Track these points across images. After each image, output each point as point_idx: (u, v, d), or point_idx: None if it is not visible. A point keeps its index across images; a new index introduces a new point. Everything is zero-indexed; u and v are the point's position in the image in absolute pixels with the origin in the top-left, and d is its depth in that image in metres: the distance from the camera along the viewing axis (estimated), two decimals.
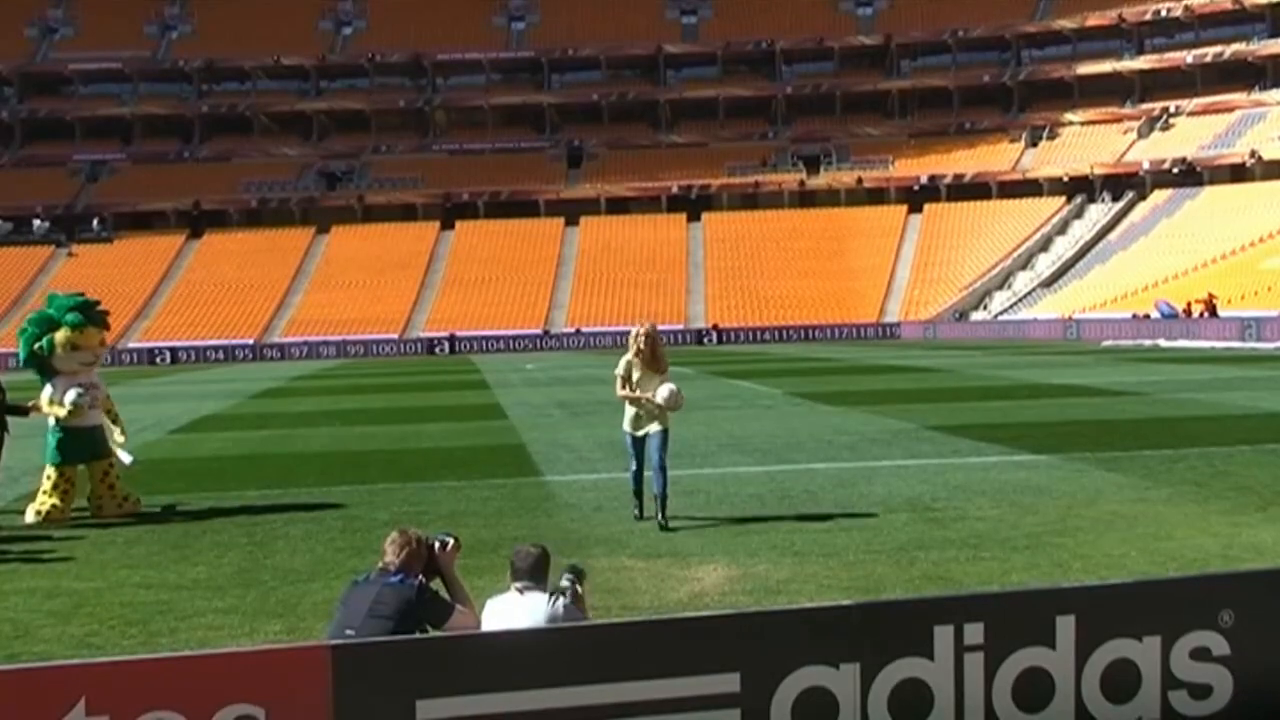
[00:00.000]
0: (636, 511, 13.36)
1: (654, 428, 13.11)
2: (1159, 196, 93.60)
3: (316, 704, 5.48)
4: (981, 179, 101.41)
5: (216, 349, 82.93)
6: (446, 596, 6.99)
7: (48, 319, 14.99)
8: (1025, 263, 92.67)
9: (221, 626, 9.14)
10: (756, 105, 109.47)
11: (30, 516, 14.46)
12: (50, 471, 14.73)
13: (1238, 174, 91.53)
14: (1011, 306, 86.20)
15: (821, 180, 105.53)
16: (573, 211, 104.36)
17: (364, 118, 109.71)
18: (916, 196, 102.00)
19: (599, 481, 16.15)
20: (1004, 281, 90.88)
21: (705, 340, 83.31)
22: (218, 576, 11.00)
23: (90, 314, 15.20)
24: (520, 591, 6.87)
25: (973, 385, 33.18)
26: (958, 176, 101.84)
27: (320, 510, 14.55)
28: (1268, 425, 20.80)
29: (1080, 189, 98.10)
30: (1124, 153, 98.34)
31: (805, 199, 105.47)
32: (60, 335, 14.83)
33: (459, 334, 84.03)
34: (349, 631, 6.45)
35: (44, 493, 14.66)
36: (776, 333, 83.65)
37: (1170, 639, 6.29)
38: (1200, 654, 6.32)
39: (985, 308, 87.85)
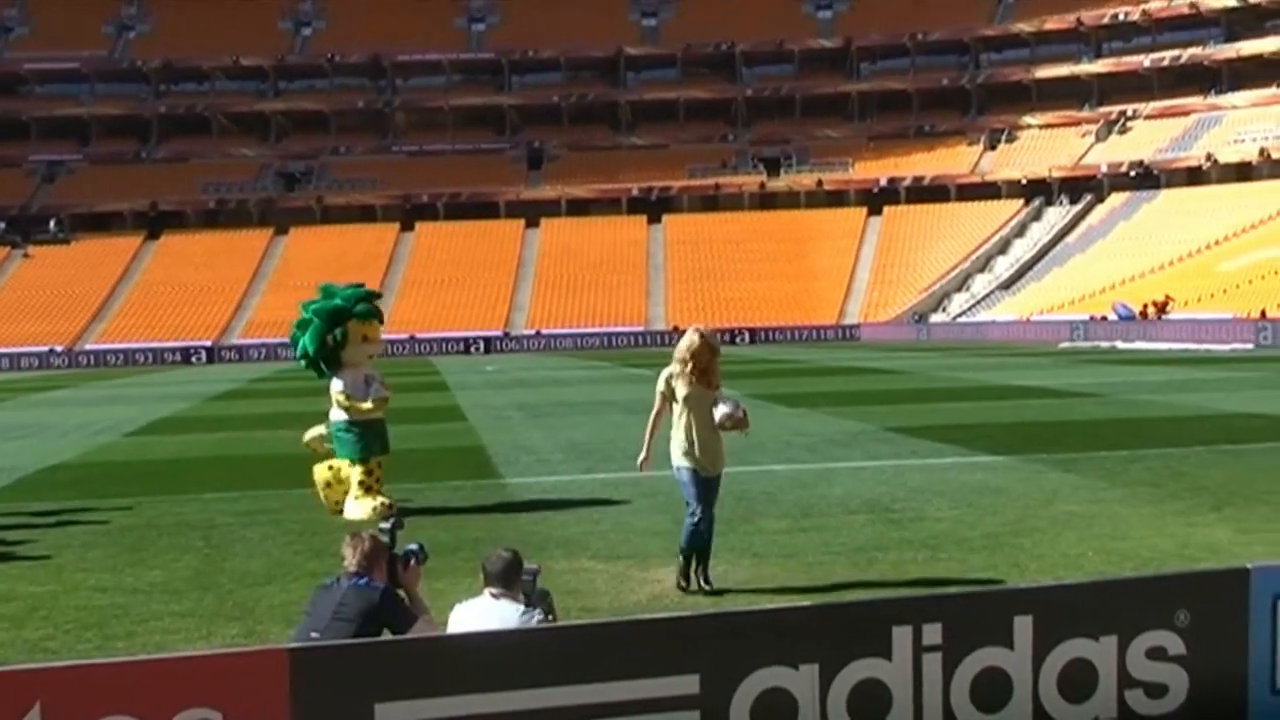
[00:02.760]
0: (704, 583, 9.99)
1: (718, 469, 10.07)
2: (1116, 199, 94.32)
3: (274, 707, 5.45)
4: (940, 181, 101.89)
5: (174, 351, 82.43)
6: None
7: (337, 310, 14.56)
8: (984, 265, 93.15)
9: (178, 630, 9.09)
10: (717, 107, 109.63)
11: (362, 513, 13.89)
12: (359, 470, 14.30)
13: (1194, 177, 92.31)
14: (970, 309, 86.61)
15: (781, 182, 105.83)
16: (533, 213, 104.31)
17: (323, 118, 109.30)
18: (876, 199, 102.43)
19: (559, 483, 16.12)
20: (963, 284, 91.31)
21: (666, 341, 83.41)
22: (175, 580, 10.93)
23: (375, 306, 14.89)
24: (494, 597, 6.84)
25: (932, 387, 33.33)
26: (917, 179, 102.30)
27: (278, 513, 14.49)
28: (1222, 426, 20.97)
29: (1038, 192, 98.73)
30: (1082, 156, 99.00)
31: (765, 201, 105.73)
32: (354, 327, 14.48)
33: (418, 335, 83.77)
34: (314, 635, 6.43)
35: (364, 491, 14.20)
36: (737, 334, 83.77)
37: (1127, 638, 6.33)
38: (1156, 653, 6.35)
39: (944, 310, 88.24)
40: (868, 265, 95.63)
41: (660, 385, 9.97)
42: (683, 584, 9.96)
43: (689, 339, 9.92)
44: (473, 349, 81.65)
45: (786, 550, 11.41)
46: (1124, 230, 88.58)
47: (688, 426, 9.79)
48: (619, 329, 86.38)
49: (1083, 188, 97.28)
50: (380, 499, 14.15)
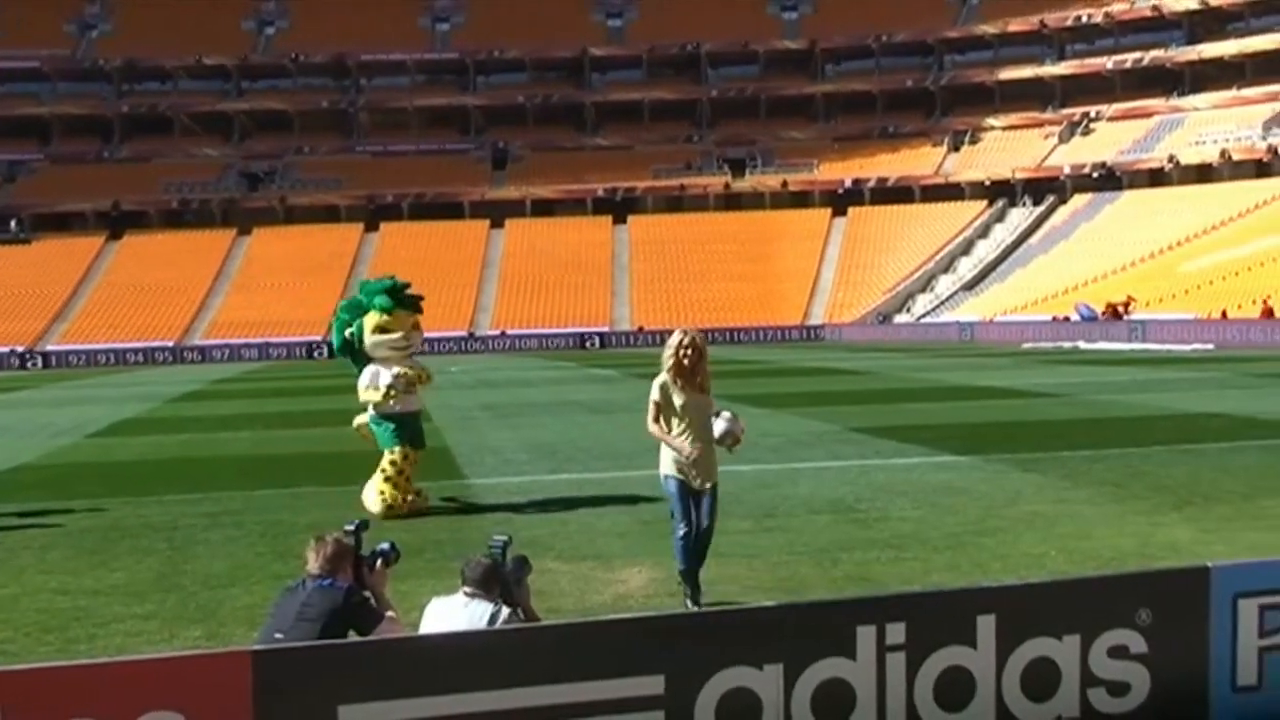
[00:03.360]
0: (689, 600, 9.47)
1: (713, 478, 9.55)
2: (1079, 200, 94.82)
3: (237, 710, 5.43)
4: (904, 183, 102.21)
5: (136, 351, 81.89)
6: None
7: (358, 305, 14.61)
8: (947, 266, 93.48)
9: (140, 633, 9.03)
10: (681, 108, 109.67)
11: (376, 506, 13.95)
12: (394, 457, 14.26)
13: (1156, 178, 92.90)
14: (934, 309, 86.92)
15: (746, 183, 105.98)
16: (498, 213, 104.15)
17: (287, 118, 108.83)
18: (840, 200, 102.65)
19: (523, 484, 16.09)
20: (927, 284, 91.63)
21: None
22: (137, 582, 10.86)
23: (398, 297, 14.65)
24: (468, 597, 6.83)
25: (896, 387, 33.45)
26: (881, 180, 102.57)
27: (241, 515, 14.41)
28: (1183, 426, 21.12)
29: (1002, 193, 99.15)
30: (1045, 157, 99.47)
31: (730, 202, 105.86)
32: (369, 320, 14.43)
33: None
34: (278, 635, 6.42)
35: (387, 481, 14.17)
36: (702, 335, 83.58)
37: (1089, 637, 6.36)
38: (1118, 652, 6.39)
39: (908, 310, 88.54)
40: (832, 266, 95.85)
41: (654, 394, 9.36)
42: (688, 602, 9.37)
43: (675, 339, 9.48)
44: (442, 348, 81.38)
45: (751, 550, 11.42)
46: (1086, 231, 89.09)
47: (681, 436, 9.26)
48: (586, 330, 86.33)
49: (1045, 189, 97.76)
50: (400, 496, 14.09)
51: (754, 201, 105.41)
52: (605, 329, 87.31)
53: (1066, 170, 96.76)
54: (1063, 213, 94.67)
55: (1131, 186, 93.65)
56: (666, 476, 9.36)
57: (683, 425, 9.26)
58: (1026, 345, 63.09)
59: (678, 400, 9.29)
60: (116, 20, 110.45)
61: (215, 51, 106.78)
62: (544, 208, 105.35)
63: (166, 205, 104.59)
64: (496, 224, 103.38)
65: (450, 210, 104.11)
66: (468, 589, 6.86)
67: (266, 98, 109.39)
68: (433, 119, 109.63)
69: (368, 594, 6.94)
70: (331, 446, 21.89)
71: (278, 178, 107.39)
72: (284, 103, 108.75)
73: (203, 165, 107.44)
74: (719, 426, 9.34)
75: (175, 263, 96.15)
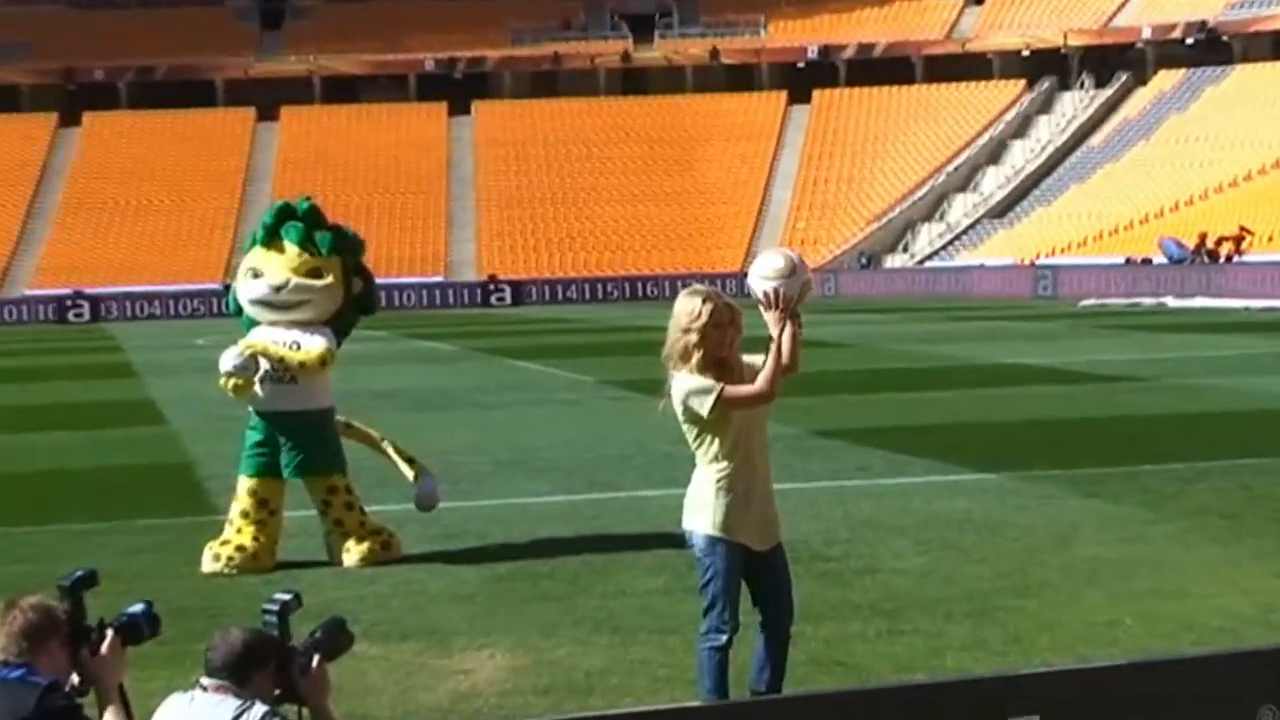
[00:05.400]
0: None
1: (778, 536, 8.94)
2: (1165, 80, 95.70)
3: None
4: (899, 51, 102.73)
5: None
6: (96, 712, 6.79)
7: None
8: (966, 181, 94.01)
9: None
10: None
11: (206, 563, 13.66)
12: (237, 488, 14.14)
13: None
14: (945, 247, 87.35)
15: (656, 53, 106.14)
16: (269, 98, 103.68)
17: None
18: (802, 78, 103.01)
19: (306, 520, 15.89)
20: (934, 209, 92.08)
21: (486, 299, 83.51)
22: None
23: (275, 224, 13.94)
24: (205, 690, 6.67)
25: (887, 367, 33.65)
26: (863, 48, 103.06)
27: None
28: None
29: (1048, 68, 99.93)
30: (1113, 15, 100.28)
31: (632, 82, 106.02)
32: (243, 263, 14.23)
33: (87, 290, 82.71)
34: None
35: (228, 523, 14.03)
36: (588, 288, 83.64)
37: None
38: None
39: (905, 248, 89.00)
40: (789, 181, 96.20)
41: (705, 407, 8.17)
42: None
43: (693, 306, 8.24)
44: (182, 309, 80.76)
45: (664, 622, 11.40)
46: (1176, 128, 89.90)
47: (735, 465, 8.39)
48: (413, 279, 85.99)
49: (1115, 62, 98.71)
50: (237, 544, 13.86)
51: (668, 81, 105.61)
52: (439, 278, 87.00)
53: (1146, 34, 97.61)
54: (1140, 98, 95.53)
55: (1245, 59, 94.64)
56: (712, 538, 8.41)
57: (728, 444, 8.38)
58: (1086, 302, 63.67)
59: (735, 413, 8.37)
60: None
61: None
62: (342, 88, 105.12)
63: None
64: (267, 115, 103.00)
65: (195, 93, 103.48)
66: (208, 679, 6.71)
67: None
68: None
69: (81, 696, 6.80)
70: (9, 464, 21.61)
71: None
72: None
73: None
74: (774, 268, 8.32)
75: None
